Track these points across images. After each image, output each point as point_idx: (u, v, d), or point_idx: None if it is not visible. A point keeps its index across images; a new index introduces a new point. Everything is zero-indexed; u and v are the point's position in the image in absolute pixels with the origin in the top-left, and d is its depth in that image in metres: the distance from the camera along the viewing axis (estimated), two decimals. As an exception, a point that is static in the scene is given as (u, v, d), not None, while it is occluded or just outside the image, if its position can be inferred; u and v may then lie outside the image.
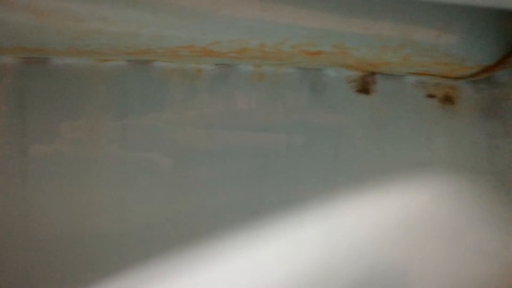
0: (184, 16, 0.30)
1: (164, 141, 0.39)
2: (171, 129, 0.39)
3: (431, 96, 0.37)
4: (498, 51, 0.33)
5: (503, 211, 0.38)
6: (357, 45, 0.32)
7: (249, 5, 0.30)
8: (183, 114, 0.39)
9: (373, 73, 0.38)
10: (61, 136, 0.37)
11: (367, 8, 0.31)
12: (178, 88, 0.39)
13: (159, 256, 0.39)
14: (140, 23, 0.30)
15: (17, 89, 0.36)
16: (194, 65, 0.39)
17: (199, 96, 0.39)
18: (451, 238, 0.39)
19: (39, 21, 0.29)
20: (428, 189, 0.38)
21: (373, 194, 0.40)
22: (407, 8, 0.30)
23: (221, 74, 0.39)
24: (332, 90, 0.39)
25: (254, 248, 0.40)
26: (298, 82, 0.39)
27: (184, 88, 0.39)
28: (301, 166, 0.40)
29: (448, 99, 0.37)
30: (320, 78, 0.39)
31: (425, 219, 0.39)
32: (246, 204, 0.40)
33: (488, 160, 0.37)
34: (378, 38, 0.31)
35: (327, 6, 0.31)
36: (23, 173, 0.36)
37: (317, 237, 0.40)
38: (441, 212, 0.38)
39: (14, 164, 0.36)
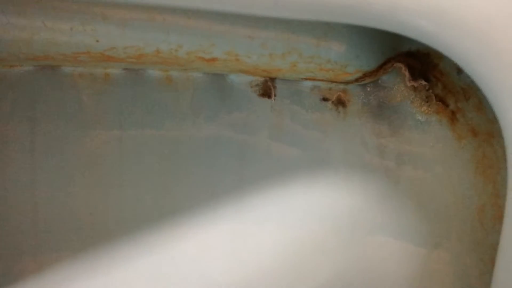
0: (74, 23, 0.31)
1: (73, 145, 0.40)
2: (81, 133, 0.40)
3: (325, 99, 0.40)
4: (377, 57, 0.36)
5: (393, 204, 0.41)
6: (246, 53, 0.34)
7: (138, 13, 0.31)
8: (92, 118, 0.40)
9: (273, 78, 0.40)
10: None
11: (252, 18, 0.33)
12: (87, 92, 0.40)
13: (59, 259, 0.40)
14: (32, 30, 0.31)
15: None
16: (102, 70, 0.40)
17: (108, 100, 0.40)
18: (347, 230, 0.41)
19: None
20: (326, 185, 0.41)
21: (278, 192, 0.42)
22: (288, 18, 0.33)
23: (130, 78, 0.40)
24: (237, 94, 0.41)
25: (162, 250, 0.41)
26: (206, 86, 0.41)
27: (93, 92, 0.40)
28: (210, 166, 0.41)
29: (340, 102, 0.39)
30: (226, 82, 0.41)
31: (324, 213, 0.41)
32: (154, 205, 0.41)
33: (377, 157, 0.40)
34: (264, 46, 0.34)
35: (215, 15, 0.32)
36: None
37: (225, 235, 0.42)
38: (338, 206, 0.41)
39: None
